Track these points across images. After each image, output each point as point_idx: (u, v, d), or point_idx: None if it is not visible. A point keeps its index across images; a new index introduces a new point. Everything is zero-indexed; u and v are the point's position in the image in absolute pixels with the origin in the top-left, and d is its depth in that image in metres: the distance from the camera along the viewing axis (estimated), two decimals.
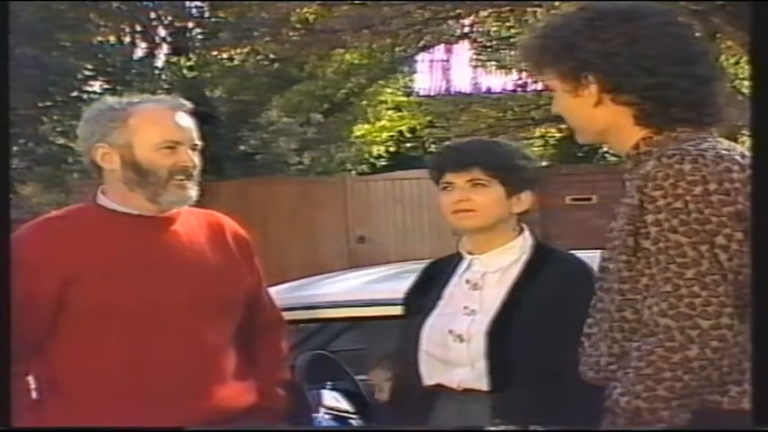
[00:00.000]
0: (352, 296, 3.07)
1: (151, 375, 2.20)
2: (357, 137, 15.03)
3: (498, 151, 2.33)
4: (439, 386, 2.27)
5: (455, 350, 2.24)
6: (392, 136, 15.71)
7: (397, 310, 2.87)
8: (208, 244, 2.35)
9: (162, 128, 2.28)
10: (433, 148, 14.91)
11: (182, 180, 2.28)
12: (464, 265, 2.34)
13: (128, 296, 2.20)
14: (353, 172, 14.15)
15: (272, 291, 2.63)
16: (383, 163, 15.06)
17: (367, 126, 15.25)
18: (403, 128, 15.64)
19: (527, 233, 2.35)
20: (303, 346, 3.24)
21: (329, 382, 2.77)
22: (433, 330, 2.29)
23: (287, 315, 2.62)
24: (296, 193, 11.07)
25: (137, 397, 2.19)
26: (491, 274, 2.30)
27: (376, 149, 15.39)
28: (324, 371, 2.87)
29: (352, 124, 14.78)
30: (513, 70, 12.43)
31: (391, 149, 15.58)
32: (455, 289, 2.33)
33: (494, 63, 12.75)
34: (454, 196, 2.30)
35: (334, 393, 2.75)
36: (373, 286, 3.33)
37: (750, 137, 1.61)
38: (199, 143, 2.35)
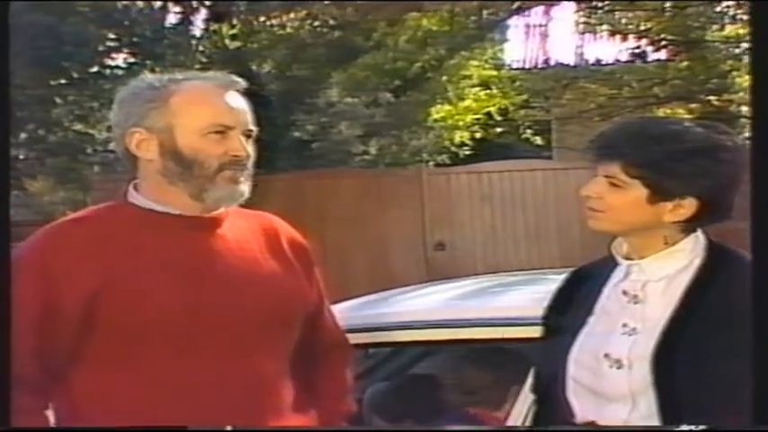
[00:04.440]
0: (431, 315, 3.09)
1: (193, 406, 2.23)
2: (435, 120, 15.00)
3: (652, 142, 2.23)
4: (592, 424, 2.25)
5: (612, 379, 2.22)
6: (478, 119, 15.65)
7: (487, 332, 2.88)
8: (260, 251, 2.38)
9: (209, 109, 2.31)
10: (528, 133, 14.90)
11: (233, 173, 2.31)
12: (619, 272, 2.32)
13: (166, 313, 2.23)
14: (431, 163, 14.12)
15: (334, 309, 2.66)
16: (467, 152, 15.02)
17: (448, 107, 15.21)
18: (492, 109, 15.58)
19: (699, 232, 2.30)
20: (372, 374, 3.26)
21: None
22: (583, 353, 2.27)
23: (352, 338, 2.66)
24: (361, 190, 11.11)
25: None
26: (654, 283, 2.27)
27: (458, 135, 15.35)
28: (413, 400, 2.90)
29: (430, 105, 14.76)
30: (630, 36, 12.27)
31: (477, 135, 15.53)
32: (609, 302, 2.31)
33: (605, 28, 12.61)
34: (588, 188, 2.28)
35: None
36: (457, 303, 3.34)
37: (750, 137, 1.72)
38: (254, 129, 2.38)
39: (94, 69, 11.35)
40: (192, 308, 2.25)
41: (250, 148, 2.36)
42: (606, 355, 2.24)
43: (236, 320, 2.28)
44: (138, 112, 2.32)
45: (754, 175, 1.72)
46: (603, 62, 13.51)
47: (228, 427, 2.23)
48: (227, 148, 2.30)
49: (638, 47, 12.37)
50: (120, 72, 11.26)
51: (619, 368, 2.22)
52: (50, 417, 2.28)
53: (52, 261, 2.24)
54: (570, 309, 2.38)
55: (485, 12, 11.23)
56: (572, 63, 13.83)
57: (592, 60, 13.65)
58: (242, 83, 2.39)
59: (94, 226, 2.33)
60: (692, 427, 1.76)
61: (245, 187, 2.34)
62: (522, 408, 2.71)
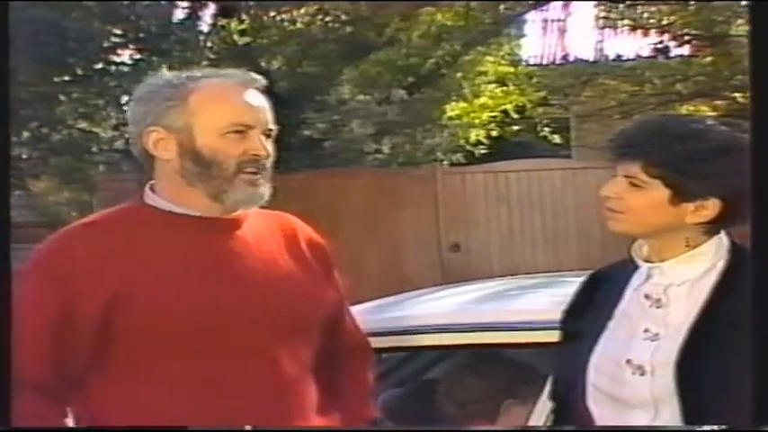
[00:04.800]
0: (446, 319, 3.10)
1: (214, 411, 2.25)
2: (450, 118, 15.00)
3: (674, 141, 2.22)
4: None
5: (634, 386, 2.22)
6: (494, 117, 15.66)
7: (504, 337, 2.88)
8: (280, 252, 2.40)
9: (229, 108, 2.32)
10: (546, 131, 14.89)
11: (252, 173, 2.32)
12: (640, 275, 2.32)
13: (185, 317, 2.25)
14: (446, 162, 14.12)
15: None
16: (483, 151, 15.02)
17: (463, 104, 15.22)
18: (508, 106, 15.58)
19: (722, 234, 2.29)
20: (385, 379, 3.27)
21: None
22: (603, 359, 2.27)
23: None
24: (373, 190, 11.12)
25: None
26: (677, 287, 2.26)
27: (474, 134, 15.36)
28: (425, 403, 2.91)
29: (444, 102, 14.76)
30: (652, 31, 12.24)
31: (493, 134, 15.53)
32: (630, 306, 2.31)
33: (626, 22, 12.59)
34: (608, 189, 2.28)
35: None
36: (473, 307, 3.34)
37: (750, 137, 1.73)
38: (274, 128, 2.39)
39: (99, 66, 11.34)
40: (213, 312, 2.26)
41: (270, 148, 2.37)
42: (628, 361, 2.24)
43: (257, 324, 2.29)
44: (156, 111, 2.34)
45: (754, 174, 1.74)
46: (624, 58, 13.44)
47: (248, 427, 2.25)
48: (246, 148, 2.32)
49: (660, 42, 12.33)
50: (125, 69, 11.27)
51: (641, 375, 2.22)
52: (70, 423, 2.29)
53: (68, 266, 2.25)
54: (589, 312, 2.37)
55: (501, 6, 11.21)
56: (591, 59, 13.78)
57: (612, 56, 13.58)
58: (262, 80, 2.40)
59: (111, 229, 2.35)
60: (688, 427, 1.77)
61: (264, 189, 2.35)
62: (539, 416, 2.71)
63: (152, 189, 2.39)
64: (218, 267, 2.30)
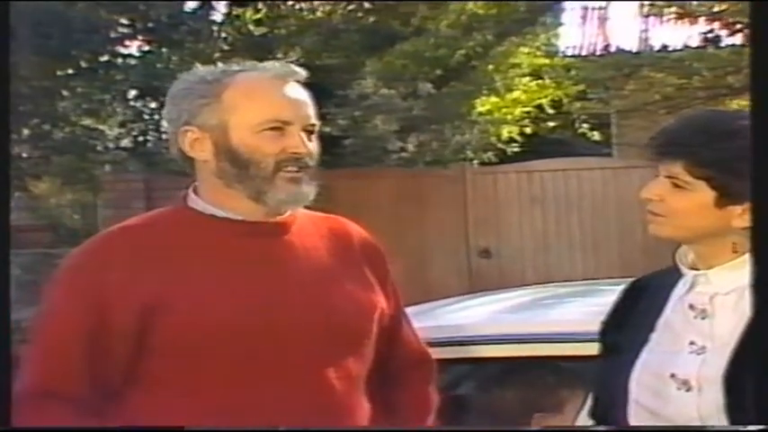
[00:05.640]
0: (476, 331, 3.10)
1: (259, 429, 2.25)
2: (481, 114, 15.01)
3: (720, 139, 2.22)
4: None
5: (680, 402, 2.22)
6: (528, 112, 15.66)
7: (538, 350, 2.88)
8: (332, 259, 2.42)
9: (264, 104, 2.35)
10: (585, 127, 14.87)
11: (293, 172, 2.34)
12: (684, 283, 2.32)
13: (229, 328, 2.26)
14: (476, 161, 14.13)
15: None
16: (516, 149, 15.02)
17: (494, 99, 15.23)
18: (543, 101, 15.58)
19: None
20: None
21: None
22: (646, 373, 2.28)
23: None
24: (397, 191, 11.13)
25: None
26: (723, 296, 2.26)
27: (506, 130, 15.36)
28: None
29: (475, 97, 14.76)
30: (701, 19, 12.20)
31: (527, 130, 15.53)
32: (674, 316, 2.31)
33: (673, 10, 12.55)
34: (649, 190, 2.28)
35: None
36: (504, 317, 3.35)
37: (750, 137, 1.80)
38: (316, 123, 2.41)
39: (105, 58, 11.40)
40: (258, 323, 2.28)
41: (313, 145, 2.39)
42: (672, 376, 2.23)
43: (305, 337, 2.30)
44: (190, 110, 2.36)
45: (754, 174, 1.78)
46: (671, 48, 13.39)
47: (282, 427, 2.26)
48: (285, 146, 2.33)
49: (709, 31, 12.27)
50: (133, 61, 11.32)
51: (687, 390, 2.21)
52: None
53: (104, 273, 2.27)
54: (630, 323, 2.37)
55: None
56: (635, 49, 13.74)
57: (657, 46, 13.55)
58: (302, 73, 2.42)
59: (151, 233, 2.37)
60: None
61: (308, 188, 2.37)
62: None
63: (195, 191, 2.41)
64: (264, 274, 2.32)
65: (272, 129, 2.33)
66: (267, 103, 2.34)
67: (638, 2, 13.02)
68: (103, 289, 2.25)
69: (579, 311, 3.32)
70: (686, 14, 12.34)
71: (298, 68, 2.42)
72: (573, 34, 15.82)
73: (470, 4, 12.46)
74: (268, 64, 2.45)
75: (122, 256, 2.30)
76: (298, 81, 2.40)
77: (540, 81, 15.71)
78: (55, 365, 2.23)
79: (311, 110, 2.40)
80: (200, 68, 2.46)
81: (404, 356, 2.54)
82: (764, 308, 1.66)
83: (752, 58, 2.03)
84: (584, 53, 15.40)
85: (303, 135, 2.36)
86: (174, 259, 2.30)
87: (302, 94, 2.40)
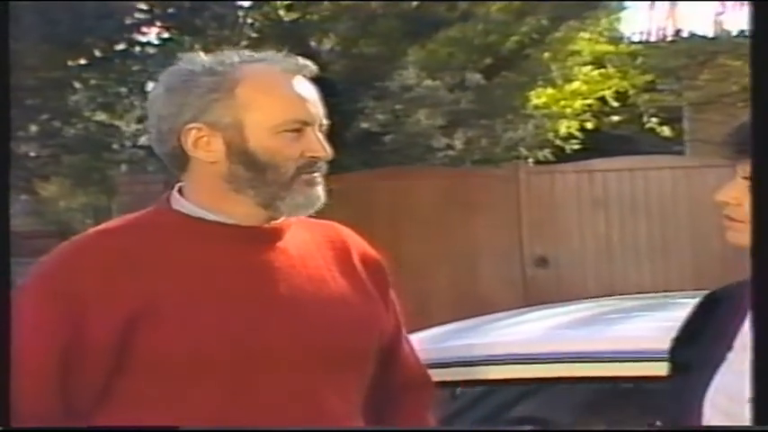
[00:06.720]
0: (531, 348, 3.10)
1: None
2: (536, 107, 15.00)
3: None
4: None
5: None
6: (590, 105, 15.62)
7: (601, 369, 2.87)
8: (328, 269, 2.42)
9: (284, 101, 2.35)
10: (653, 122, 14.81)
11: (312, 175, 2.35)
12: None
13: (217, 342, 2.27)
14: (530, 159, 14.11)
15: (413, 339, 2.67)
16: (575, 146, 14.99)
17: (551, 90, 15.21)
18: (607, 93, 15.52)
19: None
20: (460, 418, 3.27)
21: None
22: (721, 396, 2.28)
23: (435, 374, 2.69)
24: (443, 192, 11.14)
25: None
26: None
27: (565, 125, 15.33)
28: None
29: (529, 88, 14.76)
30: None
31: (588, 125, 15.49)
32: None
33: None
34: (725, 193, 2.29)
35: None
36: (562, 333, 3.34)
37: (750, 137, 1.89)
38: (325, 122, 2.42)
39: (121, 47, 11.44)
40: (247, 337, 2.28)
41: (327, 146, 2.39)
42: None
43: (298, 352, 2.31)
44: (197, 104, 2.34)
45: (754, 174, 1.86)
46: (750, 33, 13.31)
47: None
48: (304, 149, 2.34)
49: None
50: (151, 50, 11.36)
51: None
52: None
53: (80, 280, 2.27)
54: (704, 341, 2.37)
55: None
56: (710, 34, 13.70)
57: (735, 31, 13.49)
58: (312, 66, 2.42)
59: (130, 237, 2.36)
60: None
61: (323, 191, 2.39)
62: None
63: (181, 192, 2.40)
64: (255, 284, 2.33)
65: (291, 130, 2.34)
66: (287, 102, 2.35)
67: None
68: (78, 299, 2.24)
69: (647, 327, 3.31)
70: None
71: (307, 61, 2.41)
72: (639, 18, 15.76)
73: None
74: (270, 54, 2.43)
75: (99, 262, 2.29)
76: (305, 76, 2.40)
77: (602, 70, 15.66)
78: (24, 385, 2.19)
79: (322, 108, 2.41)
80: (201, 56, 2.42)
81: (402, 376, 2.55)
82: (765, 308, 1.69)
83: (752, 58, 2.10)
84: (652, 39, 15.32)
85: (319, 135, 2.37)
86: (158, 266, 2.30)
87: (314, 92, 2.40)
